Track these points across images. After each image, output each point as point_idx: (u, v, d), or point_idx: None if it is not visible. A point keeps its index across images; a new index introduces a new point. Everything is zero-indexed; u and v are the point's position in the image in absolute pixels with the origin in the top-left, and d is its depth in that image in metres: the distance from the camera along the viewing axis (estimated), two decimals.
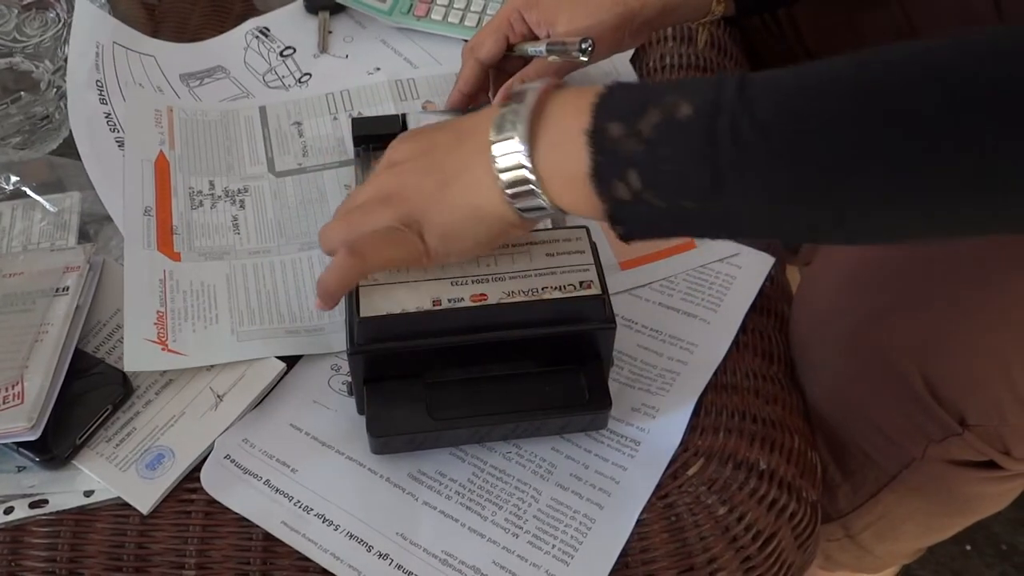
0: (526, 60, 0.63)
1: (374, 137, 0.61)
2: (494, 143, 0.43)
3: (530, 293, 0.48)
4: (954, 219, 0.37)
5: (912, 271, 0.50)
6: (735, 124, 0.37)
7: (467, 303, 0.48)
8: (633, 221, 0.41)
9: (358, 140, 0.62)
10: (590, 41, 0.57)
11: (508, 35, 0.62)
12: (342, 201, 0.52)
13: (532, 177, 0.42)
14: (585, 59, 0.58)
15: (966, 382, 0.49)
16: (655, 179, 0.39)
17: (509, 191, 0.43)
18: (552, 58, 0.60)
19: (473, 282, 0.49)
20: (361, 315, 0.48)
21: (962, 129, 0.34)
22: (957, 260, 0.49)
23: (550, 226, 0.53)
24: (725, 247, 0.60)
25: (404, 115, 0.63)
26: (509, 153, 0.42)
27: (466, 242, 0.46)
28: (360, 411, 0.52)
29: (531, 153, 0.42)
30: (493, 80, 0.64)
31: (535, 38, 0.62)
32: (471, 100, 0.64)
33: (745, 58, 0.76)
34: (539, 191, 0.42)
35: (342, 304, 0.51)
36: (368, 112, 0.67)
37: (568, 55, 0.59)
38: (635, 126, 0.39)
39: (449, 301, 0.48)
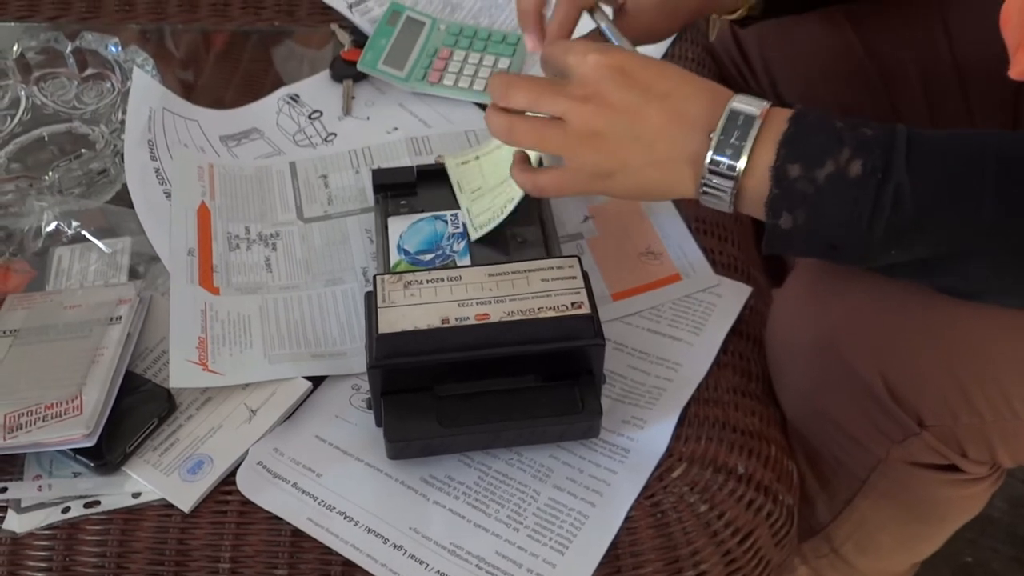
0: None
1: (391, 186, 0.69)
2: (715, 156, 0.50)
3: (527, 313, 0.55)
4: None
5: (871, 286, 0.55)
6: (898, 188, 0.45)
7: (472, 321, 0.54)
8: (784, 244, 0.50)
9: (378, 188, 0.69)
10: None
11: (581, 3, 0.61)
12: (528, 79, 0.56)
13: (734, 187, 0.50)
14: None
15: (921, 384, 0.54)
16: (818, 222, 0.47)
17: (705, 189, 0.51)
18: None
19: (477, 303, 0.55)
20: (380, 332, 0.54)
21: None
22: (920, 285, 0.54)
23: None
24: (708, 279, 0.66)
25: (416, 167, 0.70)
26: (725, 169, 0.50)
27: (645, 199, 0.57)
28: (378, 423, 0.58)
29: (741, 177, 0.49)
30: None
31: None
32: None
33: None
34: (731, 202, 0.50)
35: (361, 330, 0.58)
36: (386, 166, 0.75)
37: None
38: (811, 171, 0.47)
39: (456, 320, 0.54)
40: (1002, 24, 0.51)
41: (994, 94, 0.69)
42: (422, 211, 0.66)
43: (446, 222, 0.65)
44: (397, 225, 0.65)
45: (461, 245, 0.63)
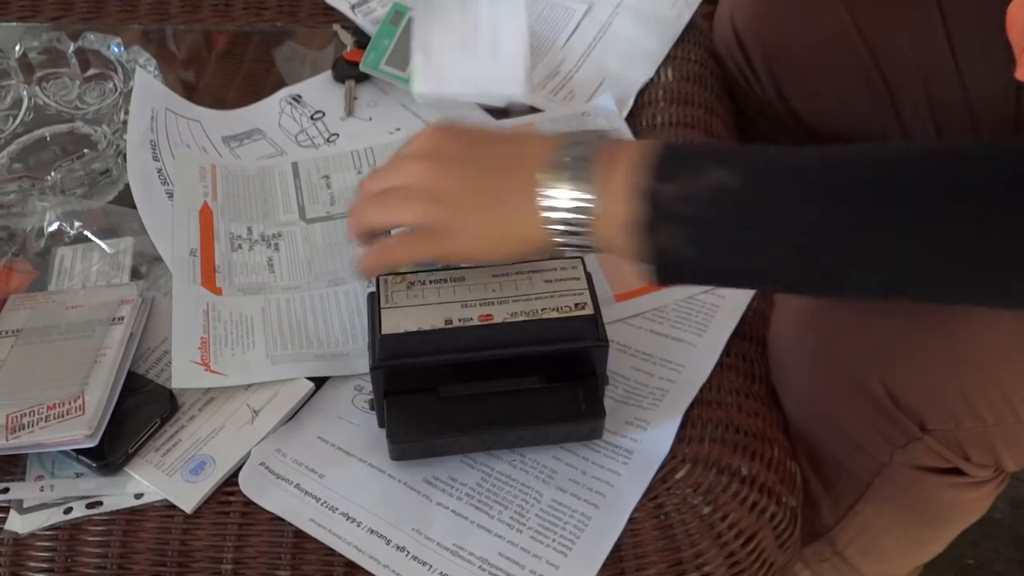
0: None
1: None
2: (552, 186, 0.47)
3: (531, 314, 0.55)
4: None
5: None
6: (769, 195, 0.44)
7: (475, 322, 0.54)
8: (673, 271, 0.47)
9: None
10: None
11: None
12: (371, 171, 0.56)
13: (587, 220, 0.47)
14: None
15: (922, 388, 0.54)
16: (697, 239, 0.45)
17: (557, 227, 0.48)
18: None
19: (481, 304, 0.55)
20: (383, 333, 0.54)
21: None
22: None
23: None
24: None
25: None
26: (567, 199, 0.47)
27: (490, 257, 0.52)
28: (380, 424, 0.58)
29: (593, 204, 0.46)
30: None
31: None
32: None
33: (729, 101, 0.83)
34: (588, 235, 0.47)
35: (364, 331, 0.57)
36: None
37: None
38: (683, 188, 0.44)
39: (460, 321, 0.54)
40: (1008, 26, 0.51)
41: (993, 87, 0.69)
42: None
43: None
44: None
45: None
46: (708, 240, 0.45)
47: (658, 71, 0.82)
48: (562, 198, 0.47)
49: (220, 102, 0.81)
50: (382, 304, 0.55)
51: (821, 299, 0.56)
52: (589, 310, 0.55)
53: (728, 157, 0.45)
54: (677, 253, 0.45)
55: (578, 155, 0.47)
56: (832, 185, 0.43)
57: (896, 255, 0.42)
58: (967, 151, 0.43)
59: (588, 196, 0.47)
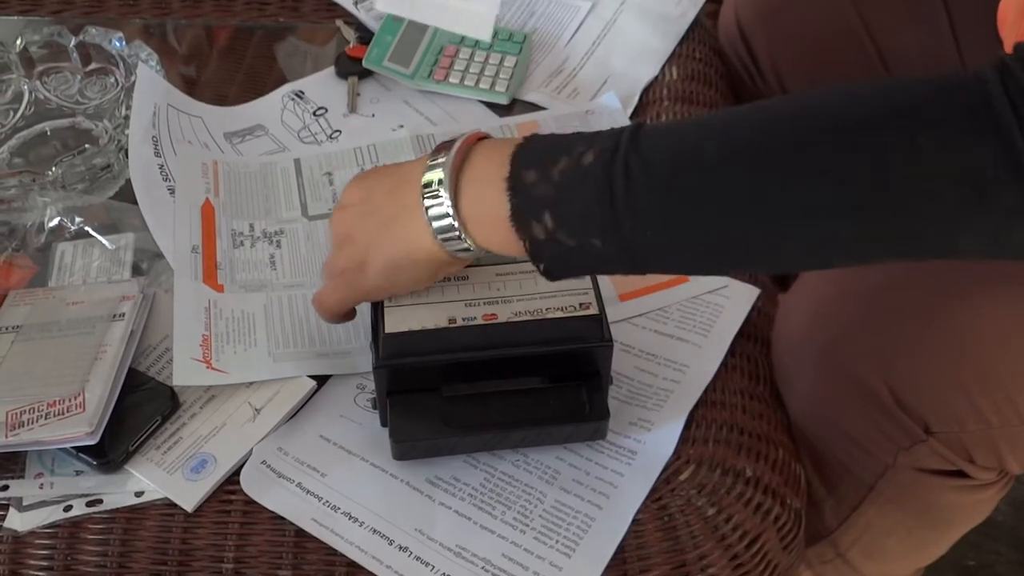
0: None
1: None
2: (424, 195, 0.48)
3: (535, 313, 0.54)
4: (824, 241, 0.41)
5: (876, 293, 0.55)
6: (627, 164, 0.42)
7: (479, 321, 0.54)
8: (551, 259, 0.46)
9: None
10: None
11: None
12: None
13: (456, 224, 0.48)
14: None
15: (927, 392, 0.54)
16: (565, 220, 0.44)
17: (440, 236, 0.49)
18: None
19: (485, 303, 0.55)
20: (386, 331, 0.54)
21: (804, 161, 0.39)
22: (918, 281, 0.54)
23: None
24: (715, 281, 0.66)
25: None
26: (436, 204, 0.48)
27: (406, 278, 0.52)
28: (383, 423, 0.57)
29: (455, 203, 0.47)
30: None
31: None
32: None
33: (733, 100, 0.83)
34: (464, 236, 0.48)
35: (367, 329, 0.57)
36: (390, 162, 0.74)
37: None
38: (547, 172, 0.44)
39: (463, 320, 0.54)
40: (999, 22, 0.50)
41: None
42: None
43: None
44: None
45: None
46: (574, 226, 0.44)
47: (662, 69, 0.81)
48: (430, 205, 0.48)
49: (222, 98, 0.81)
50: (385, 303, 0.55)
51: (837, 300, 0.56)
52: (594, 310, 0.55)
53: (590, 136, 0.45)
54: (550, 242, 0.45)
55: (441, 159, 0.48)
56: (690, 145, 0.43)
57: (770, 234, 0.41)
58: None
59: (446, 196, 0.47)
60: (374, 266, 0.52)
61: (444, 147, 0.49)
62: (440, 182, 0.48)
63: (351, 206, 0.54)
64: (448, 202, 0.47)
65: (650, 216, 0.43)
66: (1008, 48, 0.48)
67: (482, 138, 0.50)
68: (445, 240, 0.49)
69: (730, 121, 0.43)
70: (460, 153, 0.48)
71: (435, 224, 0.48)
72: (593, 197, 0.43)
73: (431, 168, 0.48)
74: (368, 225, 0.52)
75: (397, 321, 0.54)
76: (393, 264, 0.52)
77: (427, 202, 0.48)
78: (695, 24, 0.85)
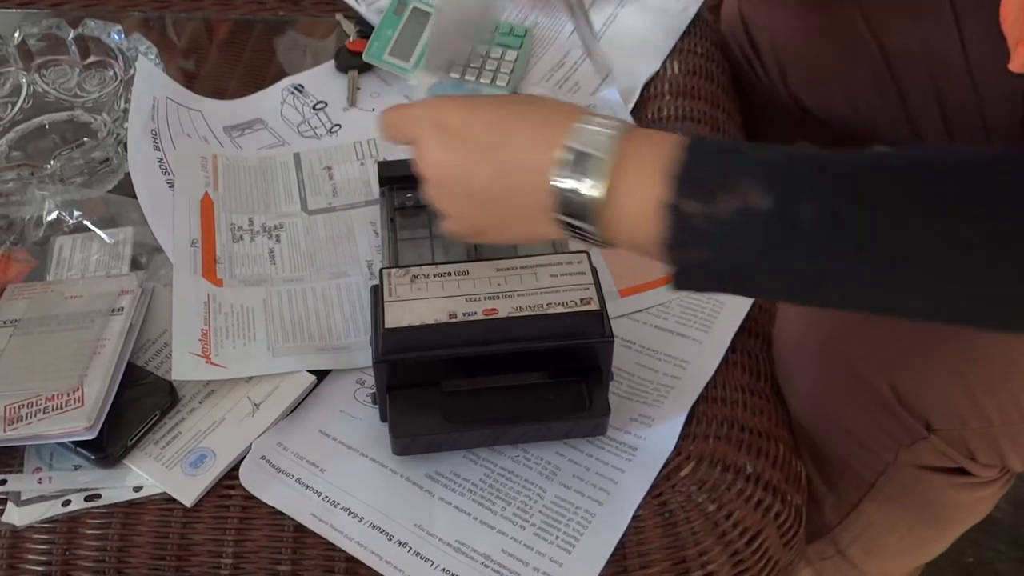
0: None
1: (397, 179, 0.68)
2: (564, 189, 0.43)
3: (536, 308, 0.54)
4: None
5: None
6: (803, 217, 0.38)
7: (480, 316, 0.54)
8: (694, 284, 0.43)
9: (383, 181, 0.68)
10: None
11: None
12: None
13: (596, 231, 0.44)
14: None
15: (928, 389, 0.54)
16: (726, 260, 0.41)
17: (567, 220, 0.45)
18: None
19: (485, 298, 0.55)
20: (386, 327, 0.53)
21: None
22: None
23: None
24: None
25: None
26: (577, 201, 0.43)
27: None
28: (383, 419, 0.57)
29: (601, 210, 0.43)
30: None
31: None
32: None
33: (735, 95, 0.83)
34: (598, 236, 0.44)
35: (366, 324, 0.57)
36: (390, 157, 0.74)
37: None
38: (710, 208, 0.40)
39: (464, 315, 0.54)
40: (1002, 19, 0.50)
41: (1003, 83, 0.69)
42: (428, 206, 0.65)
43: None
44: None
45: None
46: (732, 263, 0.41)
47: (664, 64, 0.81)
48: (568, 199, 0.45)
49: (221, 92, 0.80)
50: (385, 298, 0.55)
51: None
52: (595, 305, 0.54)
53: (759, 166, 0.41)
54: (699, 270, 0.42)
55: (594, 147, 0.44)
56: (870, 209, 0.39)
57: (937, 290, 0.39)
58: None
59: (598, 197, 0.44)
60: (499, 239, 0.51)
61: (585, 137, 0.44)
62: (585, 179, 0.43)
63: (438, 169, 0.49)
64: (596, 198, 0.43)
65: (829, 276, 0.40)
66: (1012, 45, 0.47)
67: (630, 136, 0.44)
68: (574, 228, 0.45)
69: (918, 169, 0.39)
70: (621, 149, 0.43)
71: (564, 217, 0.44)
72: (761, 246, 0.40)
73: (574, 164, 0.43)
74: (477, 211, 0.48)
75: (397, 316, 0.54)
76: (525, 241, 0.53)
77: (566, 196, 0.44)
78: (697, 19, 0.85)
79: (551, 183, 0.44)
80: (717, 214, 0.40)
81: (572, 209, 0.44)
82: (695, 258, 0.42)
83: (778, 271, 0.41)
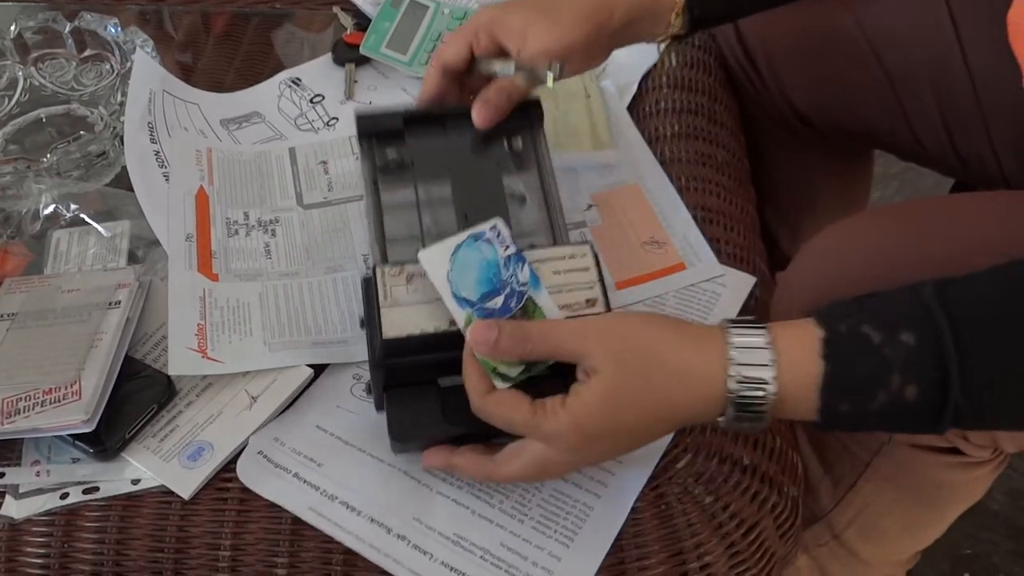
0: (490, 78, 0.63)
1: (381, 133, 0.64)
2: (740, 370, 0.46)
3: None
4: None
5: (869, 277, 0.54)
6: (958, 413, 0.43)
7: None
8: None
9: (363, 135, 0.64)
10: (559, 65, 0.59)
11: (472, 45, 0.61)
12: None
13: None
14: (551, 84, 0.59)
15: None
16: (873, 429, 0.48)
17: (731, 411, 0.47)
18: (518, 79, 0.60)
19: None
20: (384, 336, 0.52)
21: None
22: (910, 265, 0.54)
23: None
24: (712, 269, 0.66)
25: (405, 110, 0.63)
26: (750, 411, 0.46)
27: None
28: (378, 408, 0.56)
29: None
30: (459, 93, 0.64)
31: (501, 54, 0.61)
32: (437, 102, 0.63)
33: (731, 88, 0.83)
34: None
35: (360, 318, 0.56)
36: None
37: (536, 78, 0.60)
38: (863, 407, 0.45)
39: None
40: (1012, 37, 0.50)
41: (1005, 89, 0.69)
42: (412, 163, 0.62)
43: (489, 242, 0.54)
44: (436, 261, 0.54)
45: (526, 271, 0.53)
46: (879, 428, 0.48)
47: (661, 57, 0.81)
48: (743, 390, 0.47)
49: (218, 85, 0.80)
50: (381, 302, 0.54)
51: (833, 278, 0.55)
52: (600, 307, 0.53)
53: (901, 359, 0.44)
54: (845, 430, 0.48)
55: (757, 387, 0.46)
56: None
57: None
58: None
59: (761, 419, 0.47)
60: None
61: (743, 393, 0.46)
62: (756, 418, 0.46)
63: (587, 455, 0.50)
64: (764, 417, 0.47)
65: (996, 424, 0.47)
66: (1022, 61, 0.47)
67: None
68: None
69: None
70: (793, 349, 0.46)
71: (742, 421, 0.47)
72: (912, 424, 0.45)
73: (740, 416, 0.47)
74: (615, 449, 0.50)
75: (395, 325, 0.52)
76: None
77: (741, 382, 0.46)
78: None
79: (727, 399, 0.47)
80: (869, 411, 0.45)
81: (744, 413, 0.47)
82: (844, 427, 0.47)
83: (925, 429, 0.45)
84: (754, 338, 0.46)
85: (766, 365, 0.45)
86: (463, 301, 0.52)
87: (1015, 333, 0.43)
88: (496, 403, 0.49)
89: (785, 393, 0.46)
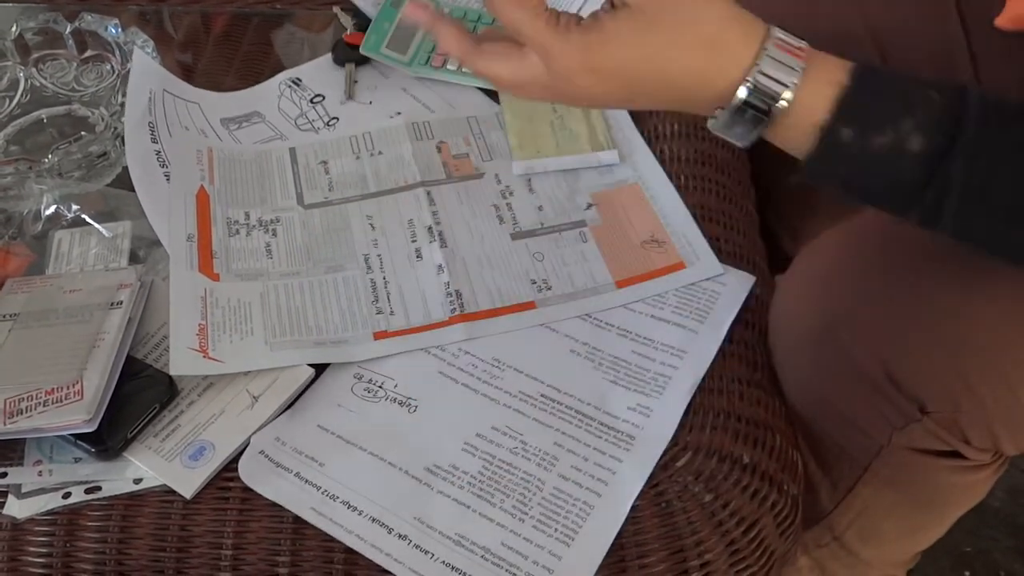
0: None
1: None
2: (760, 79, 0.44)
3: None
4: None
5: (872, 274, 0.55)
6: (951, 179, 0.42)
7: None
8: (826, 183, 0.45)
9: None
10: None
11: None
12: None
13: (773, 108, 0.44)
14: None
15: (922, 371, 0.54)
16: (865, 189, 0.44)
17: (731, 110, 0.45)
18: None
19: None
20: None
21: None
22: (914, 262, 0.54)
23: None
24: (712, 268, 0.66)
25: None
26: (765, 94, 0.44)
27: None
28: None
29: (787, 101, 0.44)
30: None
31: None
32: None
33: None
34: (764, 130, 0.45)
35: (364, 319, 0.56)
36: (387, 151, 0.74)
37: None
38: (866, 139, 0.43)
39: None
40: None
41: (1012, 85, 0.69)
42: None
43: None
44: None
45: None
46: (875, 189, 0.45)
47: None
48: (756, 92, 0.45)
49: (218, 85, 0.80)
50: None
51: (833, 281, 0.55)
52: None
53: (921, 106, 0.43)
54: (837, 182, 0.45)
55: (787, 68, 0.45)
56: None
57: None
58: None
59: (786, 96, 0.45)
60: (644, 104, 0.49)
61: (784, 46, 0.45)
62: (782, 88, 0.44)
63: (596, 87, 0.47)
64: (785, 100, 0.44)
65: (965, 233, 0.44)
66: None
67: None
68: (732, 116, 0.46)
69: None
70: (822, 68, 0.45)
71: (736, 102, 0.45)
72: (908, 183, 0.43)
73: (770, 71, 0.44)
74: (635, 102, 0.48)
75: None
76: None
77: (757, 85, 0.44)
78: None
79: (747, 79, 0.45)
80: (869, 144, 0.42)
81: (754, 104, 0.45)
82: (837, 178, 0.45)
83: (899, 204, 0.44)
84: (790, 55, 0.45)
85: (792, 69, 0.44)
86: None
87: None
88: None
89: (799, 98, 0.44)
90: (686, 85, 0.46)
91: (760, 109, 0.45)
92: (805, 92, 0.44)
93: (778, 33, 0.46)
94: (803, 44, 0.46)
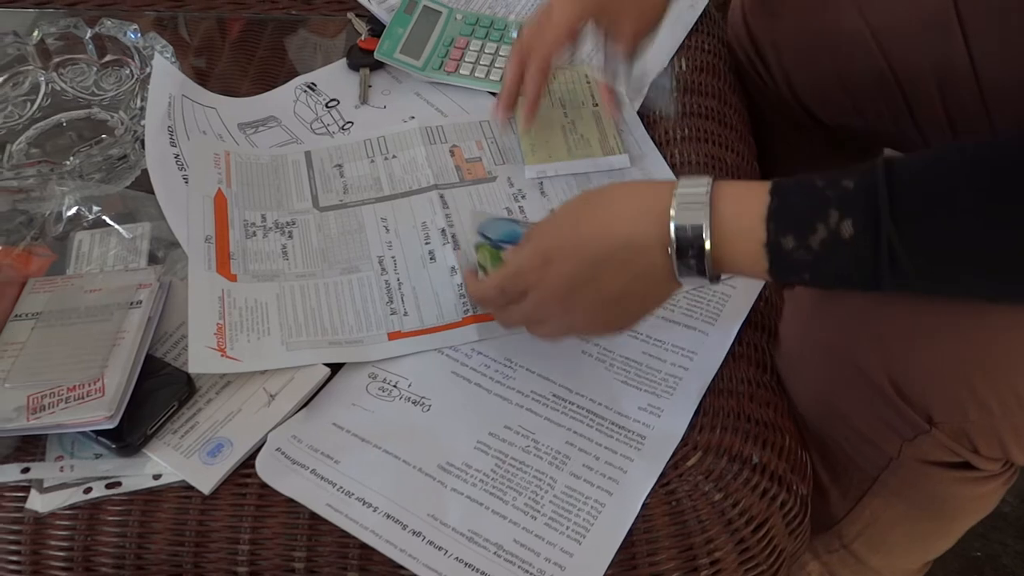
0: None
1: None
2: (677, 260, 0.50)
3: None
4: None
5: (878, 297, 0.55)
6: (891, 247, 0.45)
7: None
8: (800, 285, 0.53)
9: None
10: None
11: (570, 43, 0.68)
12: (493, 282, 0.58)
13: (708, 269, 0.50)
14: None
15: (928, 381, 0.54)
16: (824, 277, 0.49)
17: (680, 263, 0.51)
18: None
19: None
20: None
21: None
22: None
23: None
24: None
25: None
26: (687, 268, 0.50)
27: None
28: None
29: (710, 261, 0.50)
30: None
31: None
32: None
33: (742, 91, 0.83)
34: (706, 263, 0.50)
35: (378, 319, 0.57)
36: (401, 154, 0.75)
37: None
38: (805, 241, 0.47)
39: None
40: None
41: (1012, 89, 0.69)
42: None
43: (522, 225, 0.63)
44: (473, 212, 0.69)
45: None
46: (830, 278, 0.49)
47: (672, 61, 0.82)
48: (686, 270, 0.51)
49: (234, 90, 0.81)
50: None
51: (841, 294, 0.57)
52: None
53: (839, 196, 0.47)
54: (802, 283, 0.51)
55: (693, 216, 0.50)
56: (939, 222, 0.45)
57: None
58: None
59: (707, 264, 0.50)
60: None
61: (689, 202, 0.50)
62: (693, 259, 0.50)
63: (559, 318, 0.55)
64: (708, 266, 0.50)
65: (915, 284, 0.47)
66: None
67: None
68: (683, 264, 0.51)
69: (995, 187, 0.45)
70: (743, 198, 0.50)
71: (683, 271, 0.51)
72: (853, 266, 0.47)
73: (683, 229, 0.50)
74: (609, 324, 0.56)
75: None
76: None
77: (680, 266, 0.50)
78: (704, 15, 0.86)
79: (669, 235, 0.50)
80: (811, 244, 0.47)
81: (689, 258, 0.50)
82: (799, 280, 0.50)
83: (868, 281, 0.47)
84: (697, 188, 0.50)
85: (703, 191, 0.49)
86: (483, 236, 0.63)
87: (943, 172, 0.46)
88: (476, 284, 0.60)
89: (727, 225, 0.49)
90: (623, 232, 0.52)
91: (695, 244, 0.50)
92: (732, 208, 0.49)
93: (681, 187, 0.51)
94: (706, 183, 0.50)
